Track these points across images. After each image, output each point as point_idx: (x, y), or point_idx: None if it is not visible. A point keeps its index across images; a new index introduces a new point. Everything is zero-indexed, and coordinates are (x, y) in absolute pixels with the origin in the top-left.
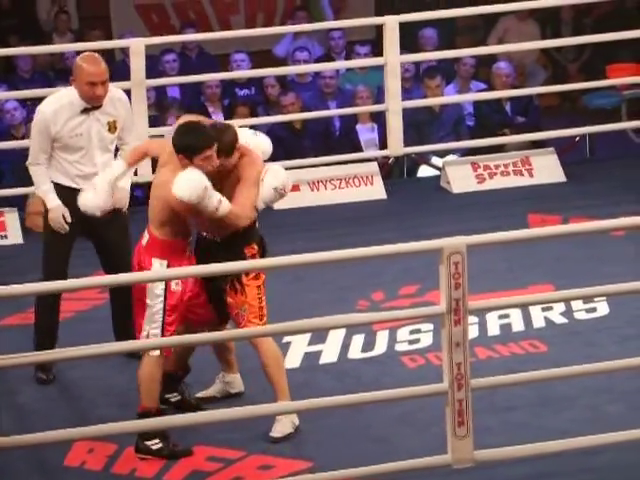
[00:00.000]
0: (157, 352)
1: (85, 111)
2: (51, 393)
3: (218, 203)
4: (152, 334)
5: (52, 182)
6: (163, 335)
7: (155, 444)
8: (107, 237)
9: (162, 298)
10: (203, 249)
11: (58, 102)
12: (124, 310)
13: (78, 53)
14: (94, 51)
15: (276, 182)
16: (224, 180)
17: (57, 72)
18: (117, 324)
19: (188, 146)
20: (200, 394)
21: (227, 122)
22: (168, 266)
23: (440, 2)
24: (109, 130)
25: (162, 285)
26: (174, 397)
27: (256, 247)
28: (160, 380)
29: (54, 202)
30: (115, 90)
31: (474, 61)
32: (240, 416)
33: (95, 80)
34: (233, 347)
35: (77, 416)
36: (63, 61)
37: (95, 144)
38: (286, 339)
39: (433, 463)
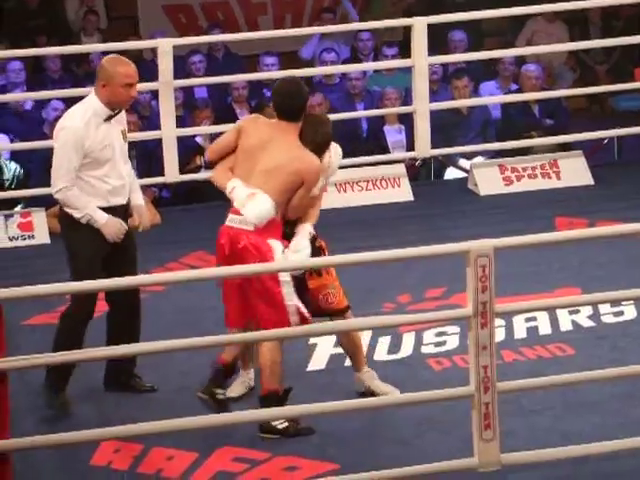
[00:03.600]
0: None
1: (108, 119)
2: (76, 393)
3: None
4: (292, 304)
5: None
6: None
7: (281, 423)
8: (127, 254)
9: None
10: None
11: (85, 114)
12: (125, 324)
13: (105, 53)
14: (122, 51)
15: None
16: None
17: (85, 73)
18: (115, 336)
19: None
20: (231, 394)
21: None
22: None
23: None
24: (124, 139)
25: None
26: (221, 394)
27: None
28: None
29: (104, 218)
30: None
31: (513, 59)
32: (268, 417)
33: (132, 81)
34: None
35: (103, 416)
36: (90, 61)
37: (118, 154)
38: (312, 340)
39: (459, 466)
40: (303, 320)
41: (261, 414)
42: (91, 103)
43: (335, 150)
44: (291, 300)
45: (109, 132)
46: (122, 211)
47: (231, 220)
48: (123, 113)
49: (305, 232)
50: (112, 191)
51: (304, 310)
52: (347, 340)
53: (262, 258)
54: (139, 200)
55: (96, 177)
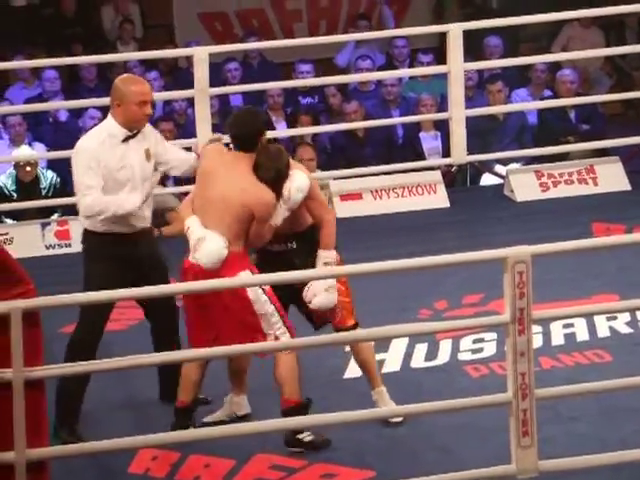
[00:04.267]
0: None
1: (126, 140)
2: (115, 401)
3: None
4: (280, 334)
5: (101, 233)
6: (288, 329)
7: (307, 436)
8: (152, 279)
9: (269, 300)
10: (270, 262)
11: (99, 135)
12: (166, 332)
13: (142, 62)
14: (158, 59)
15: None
16: None
17: None
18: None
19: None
20: (207, 418)
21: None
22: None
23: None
24: (147, 159)
25: (261, 291)
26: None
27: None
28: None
29: (134, 201)
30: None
31: (545, 67)
32: (306, 424)
33: (146, 99)
34: (247, 367)
35: (141, 424)
36: (127, 70)
37: (138, 175)
38: (348, 348)
39: (497, 473)
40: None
41: (300, 421)
42: (107, 124)
43: (296, 179)
44: (271, 330)
45: (127, 153)
46: (145, 234)
47: (193, 257)
48: (149, 131)
49: (319, 263)
50: (134, 214)
51: (284, 338)
52: (360, 358)
53: (233, 294)
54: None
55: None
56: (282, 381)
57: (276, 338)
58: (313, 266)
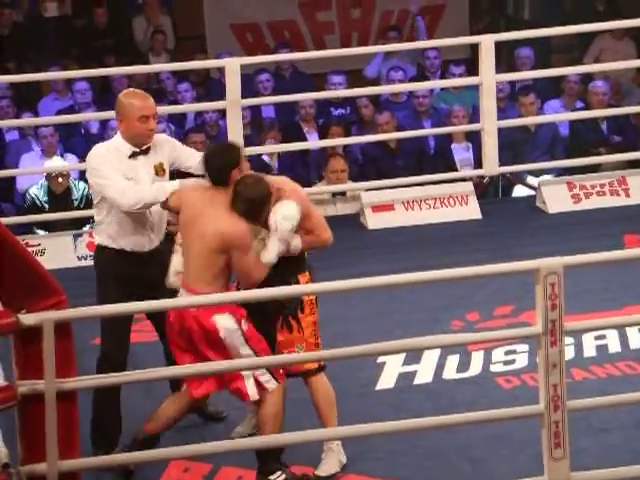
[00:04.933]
0: (274, 385)
1: (133, 156)
2: (146, 412)
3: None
4: (263, 381)
5: (108, 248)
6: (271, 372)
7: (278, 476)
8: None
9: (246, 344)
10: None
11: (105, 148)
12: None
13: (174, 73)
14: (191, 70)
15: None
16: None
17: (153, 92)
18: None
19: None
20: (233, 434)
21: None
22: (235, 317)
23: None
24: (157, 174)
25: (240, 332)
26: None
27: (308, 275)
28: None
29: (174, 185)
30: (156, 135)
31: (578, 78)
32: (339, 435)
33: (147, 113)
34: None
35: (172, 435)
36: (159, 81)
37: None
38: (380, 359)
39: None
40: (262, 390)
41: (330, 433)
42: (114, 140)
43: (282, 208)
44: (249, 373)
45: (134, 168)
46: (157, 254)
47: (180, 293)
48: (162, 144)
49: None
50: (135, 232)
51: (263, 379)
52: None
53: (206, 335)
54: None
55: (121, 215)
56: (264, 422)
57: (258, 382)
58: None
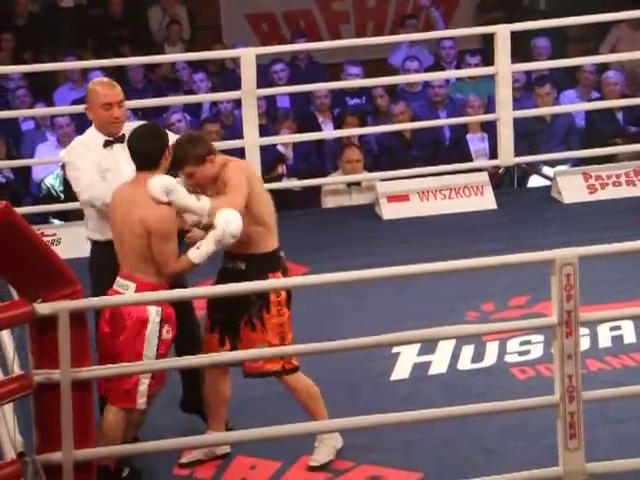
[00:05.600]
0: (144, 404)
1: (108, 144)
2: (162, 402)
3: (195, 201)
4: (140, 384)
5: (94, 241)
6: (154, 379)
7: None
8: None
9: (156, 348)
10: (225, 280)
11: (78, 142)
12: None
13: (189, 63)
14: (205, 60)
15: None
16: (210, 191)
17: (168, 82)
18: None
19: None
20: (184, 459)
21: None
22: (162, 312)
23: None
24: None
25: (157, 334)
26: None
27: (281, 274)
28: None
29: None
30: (135, 123)
31: (594, 68)
32: (355, 425)
33: (110, 100)
34: (228, 397)
35: (187, 425)
36: (175, 71)
37: (127, 179)
38: (395, 349)
39: (544, 475)
40: (149, 399)
41: (346, 423)
42: (89, 131)
43: (230, 221)
44: (146, 378)
45: (110, 157)
46: None
47: (117, 283)
48: None
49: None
50: None
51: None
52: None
53: (134, 326)
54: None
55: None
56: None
57: (143, 388)
58: (245, 300)
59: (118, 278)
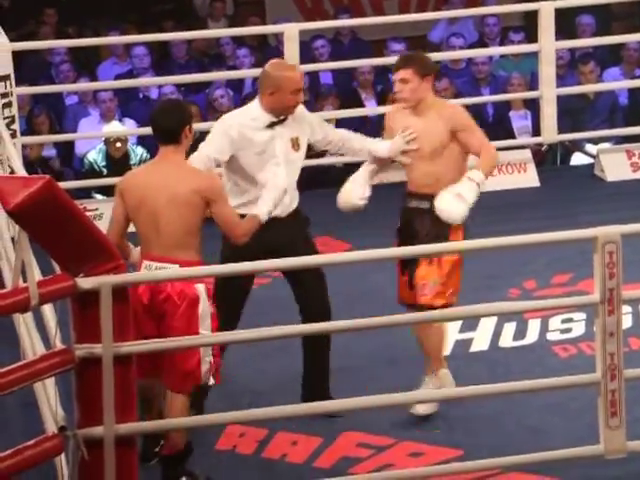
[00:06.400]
0: (209, 381)
1: (270, 126)
2: None
3: (474, 182)
4: (207, 361)
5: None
6: (216, 358)
7: None
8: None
9: (209, 324)
10: (408, 221)
11: (241, 116)
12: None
13: (233, 39)
14: (249, 36)
15: None
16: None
17: (211, 58)
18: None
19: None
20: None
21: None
22: (208, 288)
23: None
24: (293, 147)
25: (209, 310)
26: None
27: (461, 232)
28: None
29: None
30: (299, 109)
31: (638, 46)
32: (390, 403)
33: (301, 86)
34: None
35: (229, 400)
36: (218, 47)
37: (281, 162)
38: None
39: (585, 453)
40: (216, 374)
41: (387, 399)
42: (252, 108)
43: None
44: (208, 356)
45: (270, 139)
46: (283, 221)
47: (148, 267)
48: (302, 118)
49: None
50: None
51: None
52: (429, 344)
53: (188, 306)
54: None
55: (248, 182)
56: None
57: (209, 366)
58: (435, 235)
59: (148, 262)
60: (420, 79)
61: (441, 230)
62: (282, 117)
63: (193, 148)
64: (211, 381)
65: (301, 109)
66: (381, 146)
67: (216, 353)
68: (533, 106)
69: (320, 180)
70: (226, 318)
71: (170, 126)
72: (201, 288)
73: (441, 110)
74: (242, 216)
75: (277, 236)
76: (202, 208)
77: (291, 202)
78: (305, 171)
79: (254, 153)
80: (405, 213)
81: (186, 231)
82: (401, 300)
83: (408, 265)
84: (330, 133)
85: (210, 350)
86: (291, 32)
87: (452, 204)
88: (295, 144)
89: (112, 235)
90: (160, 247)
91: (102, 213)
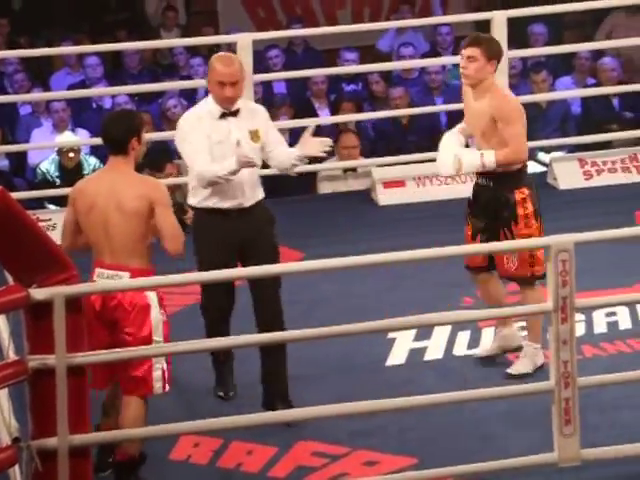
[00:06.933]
0: (161, 388)
1: (223, 116)
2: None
3: (481, 158)
4: (158, 368)
5: (198, 208)
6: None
7: None
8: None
9: (162, 331)
10: (475, 195)
11: (196, 112)
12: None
13: (186, 48)
14: (201, 46)
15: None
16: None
17: (164, 68)
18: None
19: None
20: (479, 353)
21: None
22: (157, 295)
23: None
24: (252, 139)
25: (161, 317)
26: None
27: (527, 191)
28: None
29: (232, 165)
30: (253, 103)
31: (590, 55)
32: (345, 411)
33: (224, 80)
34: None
35: (184, 410)
36: (172, 57)
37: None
38: (391, 335)
39: (539, 461)
40: (166, 384)
41: (342, 408)
42: (206, 101)
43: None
44: (159, 363)
45: (225, 129)
46: (239, 214)
47: (100, 275)
48: (259, 113)
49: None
50: (227, 190)
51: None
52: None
53: (139, 313)
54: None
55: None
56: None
57: (162, 372)
58: (496, 212)
59: (100, 270)
60: (486, 60)
61: (504, 205)
62: (233, 109)
63: (146, 157)
64: (159, 390)
65: (257, 106)
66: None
67: (169, 360)
68: None
69: (274, 189)
70: (220, 313)
71: (117, 136)
72: (152, 296)
73: (493, 96)
74: (208, 210)
75: (246, 226)
76: (148, 214)
77: (254, 193)
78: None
79: (214, 143)
80: (473, 188)
81: (135, 238)
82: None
83: (489, 236)
84: (271, 133)
85: (163, 358)
86: (244, 42)
87: (445, 161)
88: (255, 136)
89: (66, 242)
90: (111, 255)
91: (55, 223)
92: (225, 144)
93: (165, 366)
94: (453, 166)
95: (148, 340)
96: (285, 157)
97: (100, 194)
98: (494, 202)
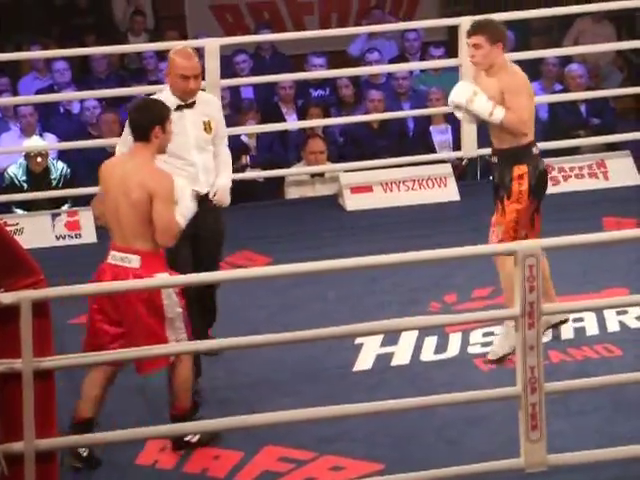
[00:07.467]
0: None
1: (179, 108)
2: (123, 392)
3: (493, 107)
4: (182, 339)
5: None
6: (187, 329)
7: (192, 437)
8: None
9: (178, 302)
10: (490, 172)
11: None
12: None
13: (156, 53)
14: (168, 51)
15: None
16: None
17: (132, 72)
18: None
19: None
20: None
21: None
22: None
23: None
24: (205, 130)
25: (174, 293)
26: (84, 451)
27: (525, 168)
28: None
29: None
30: (207, 94)
31: (557, 61)
32: (312, 416)
33: (187, 74)
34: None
35: (150, 415)
36: (140, 61)
37: (192, 143)
38: (358, 340)
39: (506, 466)
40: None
41: (309, 413)
42: (164, 92)
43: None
44: (174, 335)
45: (180, 120)
46: (207, 203)
47: (113, 257)
48: (214, 105)
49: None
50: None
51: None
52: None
53: (150, 297)
54: (223, 180)
55: (167, 163)
56: (178, 388)
57: (176, 341)
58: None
59: (113, 252)
60: (490, 45)
61: (504, 180)
62: (189, 101)
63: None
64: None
65: (211, 97)
66: (217, 181)
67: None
68: (453, 121)
69: (241, 195)
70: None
71: (139, 123)
72: (163, 277)
73: (503, 74)
74: None
75: (206, 213)
76: (148, 204)
77: (208, 179)
78: None
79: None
80: (489, 168)
81: (141, 224)
82: None
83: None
84: (219, 127)
85: (179, 330)
86: (212, 47)
87: (463, 89)
88: (207, 127)
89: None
90: (121, 238)
91: (22, 228)
92: (181, 136)
93: (183, 337)
94: (466, 96)
95: (161, 320)
96: (219, 185)
97: (113, 179)
98: (497, 178)
